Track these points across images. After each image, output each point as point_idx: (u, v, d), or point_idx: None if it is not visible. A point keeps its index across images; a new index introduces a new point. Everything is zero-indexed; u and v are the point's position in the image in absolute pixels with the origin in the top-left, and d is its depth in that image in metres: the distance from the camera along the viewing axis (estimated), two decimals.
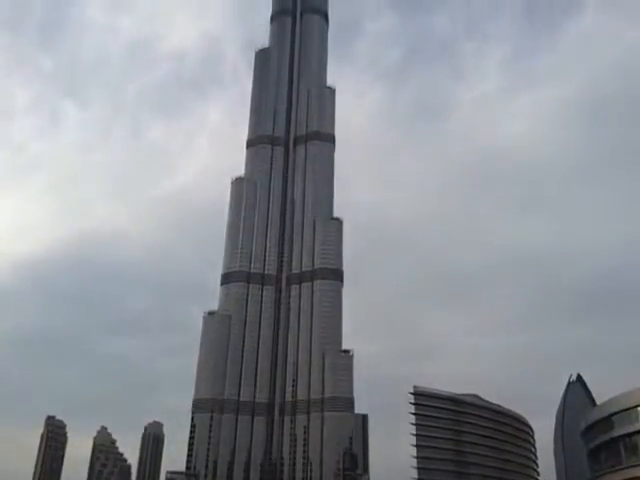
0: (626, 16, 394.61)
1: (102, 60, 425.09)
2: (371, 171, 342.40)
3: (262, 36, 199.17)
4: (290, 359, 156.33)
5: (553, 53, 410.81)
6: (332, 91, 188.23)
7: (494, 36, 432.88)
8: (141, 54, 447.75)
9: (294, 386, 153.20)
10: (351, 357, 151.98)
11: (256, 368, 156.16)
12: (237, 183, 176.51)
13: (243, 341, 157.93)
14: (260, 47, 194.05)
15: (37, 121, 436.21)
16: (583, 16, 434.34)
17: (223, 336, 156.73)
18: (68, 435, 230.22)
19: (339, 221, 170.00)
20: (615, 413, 71.64)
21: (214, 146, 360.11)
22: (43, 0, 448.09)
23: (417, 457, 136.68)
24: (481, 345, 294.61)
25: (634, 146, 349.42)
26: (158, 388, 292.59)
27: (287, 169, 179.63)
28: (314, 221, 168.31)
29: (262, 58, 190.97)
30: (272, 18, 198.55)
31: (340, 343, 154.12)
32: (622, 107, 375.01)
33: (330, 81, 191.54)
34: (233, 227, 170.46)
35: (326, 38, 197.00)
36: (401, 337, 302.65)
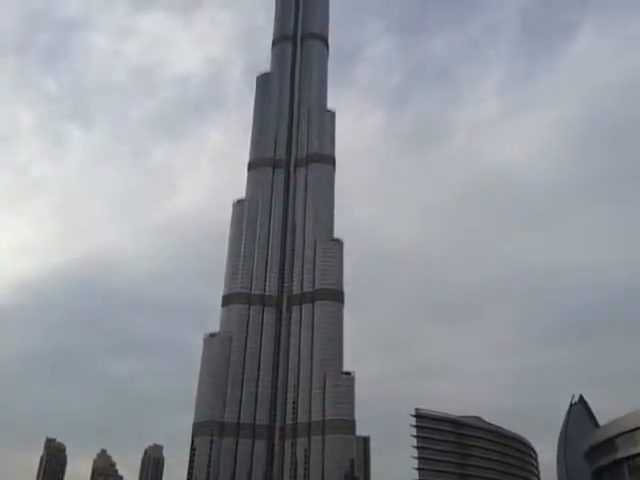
0: (623, 39, 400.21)
1: (106, 84, 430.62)
2: (371, 193, 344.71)
3: (264, 61, 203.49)
4: (291, 381, 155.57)
5: (550, 76, 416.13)
6: (332, 114, 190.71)
7: (492, 60, 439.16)
8: (144, 78, 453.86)
9: (295, 408, 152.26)
10: (352, 379, 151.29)
11: (257, 390, 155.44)
12: (238, 205, 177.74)
13: (244, 363, 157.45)
14: (262, 72, 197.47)
15: (41, 143, 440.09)
16: (580, 39, 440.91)
17: (224, 358, 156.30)
18: (68, 457, 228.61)
19: (340, 242, 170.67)
20: (618, 435, 71.70)
21: (216, 168, 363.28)
22: (48, 25, 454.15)
23: None
24: (483, 366, 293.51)
25: (632, 167, 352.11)
26: (159, 410, 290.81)
27: (288, 191, 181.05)
28: (315, 242, 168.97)
29: (263, 82, 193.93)
30: (273, 44, 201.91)
31: (341, 365, 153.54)
32: (620, 128, 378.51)
33: (330, 104, 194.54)
34: (234, 249, 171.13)
35: (326, 63, 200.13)
36: (402, 358, 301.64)
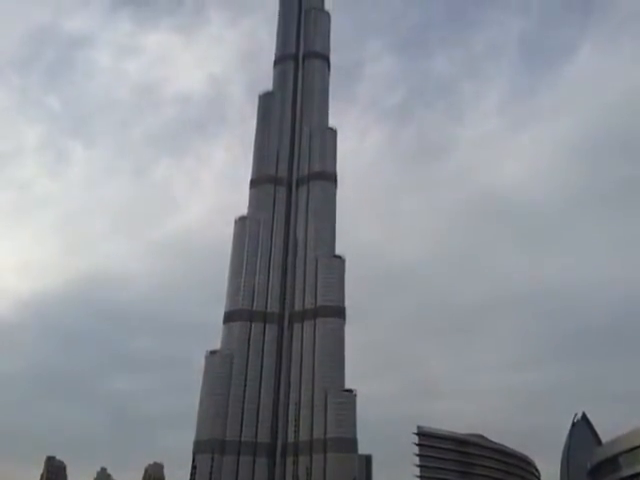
0: (622, 57, 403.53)
1: (109, 101, 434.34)
2: (373, 209, 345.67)
3: (266, 80, 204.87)
4: (292, 399, 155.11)
5: (552, 92, 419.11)
6: (334, 132, 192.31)
7: (493, 76, 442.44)
8: (147, 96, 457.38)
9: (296, 426, 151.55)
10: (354, 396, 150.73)
11: (258, 408, 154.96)
12: (240, 222, 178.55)
13: (245, 380, 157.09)
14: (264, 90, 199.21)
15: (44, 160, 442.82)
16: (580, 57, 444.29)
17: (225, 375, 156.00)
18: (68, 475, 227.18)
19: (341, 259, 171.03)
20: (621, 453, 71.54)
21: (218, 186, 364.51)
22: (52, 43, 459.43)
23: None
24: (485, 384, 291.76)
25: (635, 184, 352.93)
26: (159, 428, 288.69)
27: (290, 208, 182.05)
28: (316, 259, 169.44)
29: (265, 101, 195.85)
30: (275, 63, 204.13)
31: (343, 382, 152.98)
32: (622, 145, 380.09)
33: (332, 122, 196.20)
34: (236, 266, 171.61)
35: (328, 81, 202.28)
36: (404, 376, 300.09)
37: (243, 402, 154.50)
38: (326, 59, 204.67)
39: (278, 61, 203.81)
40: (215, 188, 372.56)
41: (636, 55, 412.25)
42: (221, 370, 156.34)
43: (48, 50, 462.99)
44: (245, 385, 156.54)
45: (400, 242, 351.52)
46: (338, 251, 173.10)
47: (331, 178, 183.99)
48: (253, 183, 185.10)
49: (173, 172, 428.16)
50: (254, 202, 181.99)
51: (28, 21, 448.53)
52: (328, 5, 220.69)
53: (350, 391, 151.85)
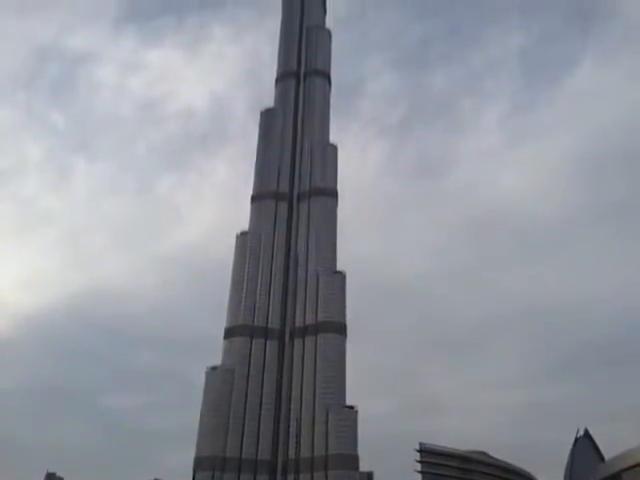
0: (623, 73, 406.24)
1: (112, 117, 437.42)
2: (373, 225, 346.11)
3: (267, 96, 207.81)
4: (293, 415, 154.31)
5: (552, 108, 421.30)
6: (335, 148, 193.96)
7: (493, 92, 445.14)
8: (150, 111, 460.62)
9: (297, 443, 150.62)
10: (355, 413, 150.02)
11: (259, 425, 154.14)
12: (242, 238, 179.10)
13: (246, 397, 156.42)
14: (265, 107, 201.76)
15: (47, 176, 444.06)
16: (581, 71, 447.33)
17: (225, 392, 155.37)
18: None
19: (342, 274, 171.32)
20: (624, 470, 71.24)
21: (220, 201, 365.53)
22: (56, 59, 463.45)
23: None
24: (488, 400, 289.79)
25: (636, 198, 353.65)
26: (159, 444, 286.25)
27: (291, 224, 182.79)
28: (317, 275, 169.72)
29: (267, 117, 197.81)
30: (277, 80, 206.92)
31: (344, 398, 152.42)
32: (623, 160, 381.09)
33: (333, 138, 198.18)
34: (237, 281, 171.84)
35: (328, 98, 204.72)
36: (406, 392, 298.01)
37: (244, 418, 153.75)
38: (327, 76, 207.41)
39: (280, 78, 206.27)
40: (217, 203, 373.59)
41: (636, 71, 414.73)
42: (222, 386, 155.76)
43: (52, 67, 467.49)
44: (246, 401, 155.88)
45: (400, 258, 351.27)
46: (339, 266, 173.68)
47: (332, 194, 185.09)
48: (254, 198, 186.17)
49: (175, 187, 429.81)
50: (255, 217, 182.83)
51: (33, 38, 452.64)
52: (329, 23, 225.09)
53: (351, 407, 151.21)
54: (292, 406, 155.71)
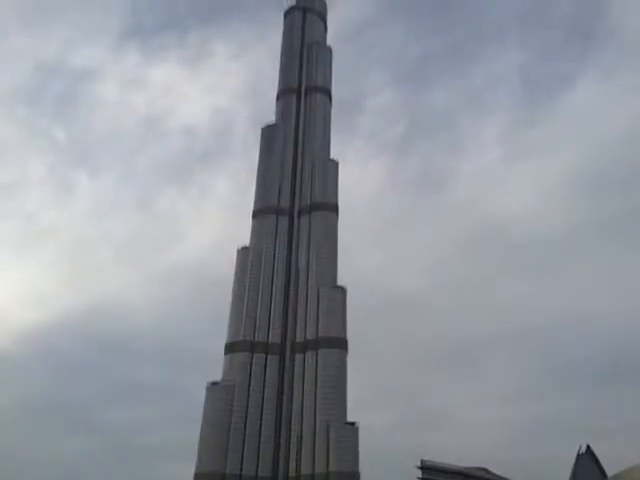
0: (623, 88, 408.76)
1: (114, 133, 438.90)
2: (374, 240, 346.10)
3: (269, 112, 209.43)
4: (294, 432, 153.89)
5: (552, 123, 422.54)
6: (335, 164, 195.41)
7: (493, 108, 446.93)
8: (152, 127, 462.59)
9: (298, 460, 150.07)
10: (356, 429, 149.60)
11: (259, 441, 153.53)
12: (243, 252, 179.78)
13: (246, 413, 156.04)
14: (266, 123, 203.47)
15: (50, 191, 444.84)
16: (581, 86, 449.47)
17: (226, 407, 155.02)
18: None
19: (343, 289, 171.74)
20: None
21: (221, 216, 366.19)
22: (59, 75, 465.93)
23: None
24: (488, 415, 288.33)
25: (636, 215, 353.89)
26: (159, 459, 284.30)
27: (292, 239, 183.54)
28: (318, 289, 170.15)
29: (268, 133, 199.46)
30: (278, 96, 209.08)
31: (345, 414, 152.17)
32: (624, 175, 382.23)
33: (334, 154, 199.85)
34: (238, 296, 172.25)
35: (329, 114, 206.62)
36: (407, 408, 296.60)
37: (244, 434, 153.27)
38: (328, 92, 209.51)
39: (281, 94, 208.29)
40: (218, 218, 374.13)
41: (635, 86, 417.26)
42: (222, 402, 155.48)
43: (55, 83, 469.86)
44: (246, 417, 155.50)
45: (401, 272, 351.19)
46: (339, 281, 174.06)
47: (333, 209, 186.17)
48: (255, 213, 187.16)
49: (176, 202, 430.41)
50: (256, 232, 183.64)
51: (36, 55, 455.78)
52: (330, 40, 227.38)
53: (352, 424, 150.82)
54: (293, 422, 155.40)
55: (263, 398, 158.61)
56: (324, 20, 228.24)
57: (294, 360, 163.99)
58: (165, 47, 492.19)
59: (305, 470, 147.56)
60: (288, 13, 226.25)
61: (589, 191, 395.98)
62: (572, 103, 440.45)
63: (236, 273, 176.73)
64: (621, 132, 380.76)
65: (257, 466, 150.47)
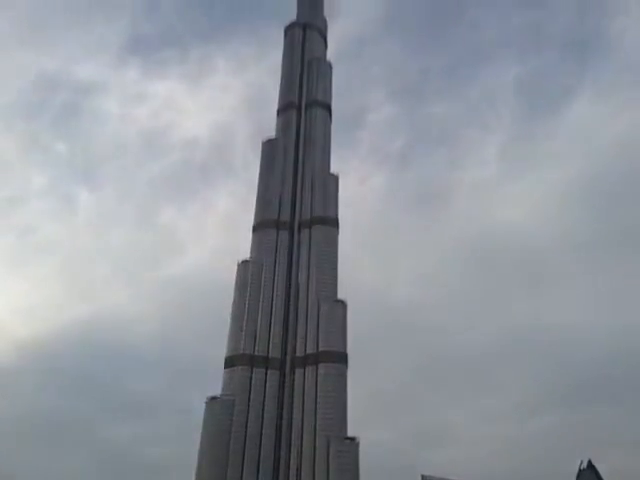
0: (621, 102, 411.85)
1: (115, 147, 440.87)
2: (375, 253, 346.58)
3: (269, 127, 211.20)
4: (294, 447, 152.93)
5: (551, 138, 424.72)
6: (335, 178, 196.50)
7: (492, 123, 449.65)
8: (153, 141, 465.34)
9: (298, 476, 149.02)
10: (357, 444, 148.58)
11: (259, 456, 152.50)
12: (243, 266, 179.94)
13: (246, 427, 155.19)
14: (267, 137, 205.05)
15: (49, 204, 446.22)
16: (579, 102, 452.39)
17: (225, 422, 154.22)
18: None
19: (343, 303, 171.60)
20: None
21: (221, 230, 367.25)
22: (61, 89, 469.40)
23: None
24: (489, 430, 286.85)
25: (637, 227, 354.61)
26: (158, 475, 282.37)
27: (292, 252, 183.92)
28: (318, 303, 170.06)
29: (269, 148, 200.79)
30: (279, 111, 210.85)
31: (345, 430, 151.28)
32: (622, 189, 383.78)
33: (334, 168, 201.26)
34: (238, 310, 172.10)
35: (329, 128, 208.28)
36: (408, 422, 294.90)
37: (244, 449, 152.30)
38: (328, 107, 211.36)
39: (281, 109, 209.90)
40: (218, 232, 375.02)
41: (633, 101, 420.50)
42: (221, 416, 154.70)
43: (57, 97, 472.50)
44: (246, 432, 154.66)
45: (401, 286, 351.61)
46: (340, 295, 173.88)
47: (333, 223, 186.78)
48: (256, 227, 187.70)
49: (177, 216, 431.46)
50: (256, 246, 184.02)
51: (38, 69, 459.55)
52: (330, 55, 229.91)
53: (352, 439, 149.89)
54: (292, 437, 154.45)
55: (263, 413, 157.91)
56: (324, 36, 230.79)
57: (294, 374, 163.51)
58: (166, 62, 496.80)
59: None
60: (288, 29, 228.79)
61: (587, 204, 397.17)
62: (570, 118, 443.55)
63: (236, 287, 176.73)
64: (619, 146, 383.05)
65: None
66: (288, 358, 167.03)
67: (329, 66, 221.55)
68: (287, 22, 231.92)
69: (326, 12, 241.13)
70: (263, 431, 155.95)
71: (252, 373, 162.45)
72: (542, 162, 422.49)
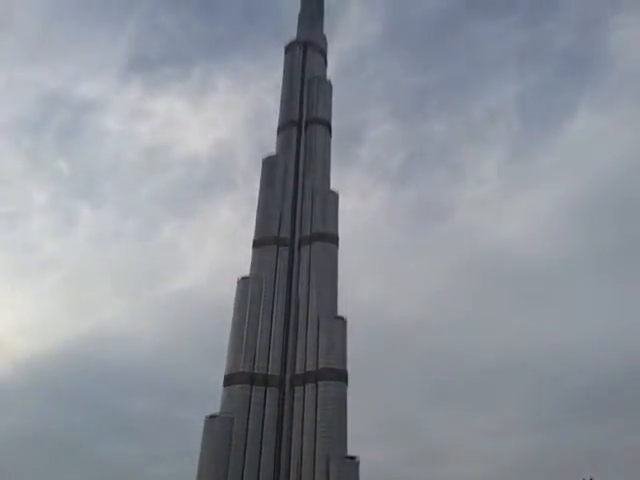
0: (619, 119, 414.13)
1: (117, 164, 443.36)
2: (374, 270, 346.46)
3: (270, 144, 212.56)
4: (293, 465, 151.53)
5: (550, 155, 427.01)
6: (335, 195, 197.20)
7: (492, 139, 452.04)
8: (155, 158, 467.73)
9: None
10: (357, 463, 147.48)
11: (258, 475, 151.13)
12: (243, 283, 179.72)
13: (245, 446, 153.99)
14: (268, 154, 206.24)
15: (51, 221, 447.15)
16: (578, 118, 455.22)
17: (225, 440, 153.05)
18: None
19: (343, 320, 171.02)
20: None
21: (221, 246, 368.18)
22: (64, 107, 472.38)
23: None
24: (492, 448, 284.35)
25: (633, 243, 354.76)
26: None
27: (292, 269, 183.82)
28: (318, 320, 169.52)
29: (269, 165, 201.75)
30: (279, 129, 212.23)
31: (345, 448, 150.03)
32: (622, 205, 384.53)
33: (334, 185, 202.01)
34: (237, 327, 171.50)
35: (329, 146, 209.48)
36: (408, 440, 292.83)
37: (243, 468, 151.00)
38: (327, 125, 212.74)
39: (282, 127, 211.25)
40: (218, 248, 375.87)
41: (631, 118, 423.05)
42: (220, 435, 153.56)
43: (59, 114, 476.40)
44: (245, 450, 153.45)
45: (401, 303, 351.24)
46: (340, 312, 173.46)
47: (333, 239, 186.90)
48: (256, 243, 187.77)
49: (178, 233, 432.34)
50: (256, 262, 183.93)
51: (41, 87, 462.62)
52: (330, 73, 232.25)
53: (352, 458, 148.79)
54: (292, 456, 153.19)
55: (262, 431, 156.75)
56: (324, 54, 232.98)
57: (294, 392, 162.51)
58: (168, 80, 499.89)
59: None
60: (289, 48, 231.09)
61: (586, 221, 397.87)
62: (569, 135, 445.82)
63: (236, 303, 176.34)
64: (617, 163, 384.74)
65: None
66: (288, 376, 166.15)
67: (329, 84, 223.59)
68: (287, 41, 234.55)
69: (326, 30, 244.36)
70: (262, 449, 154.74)
71: (251, 391, 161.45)
72: (542, 178, 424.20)
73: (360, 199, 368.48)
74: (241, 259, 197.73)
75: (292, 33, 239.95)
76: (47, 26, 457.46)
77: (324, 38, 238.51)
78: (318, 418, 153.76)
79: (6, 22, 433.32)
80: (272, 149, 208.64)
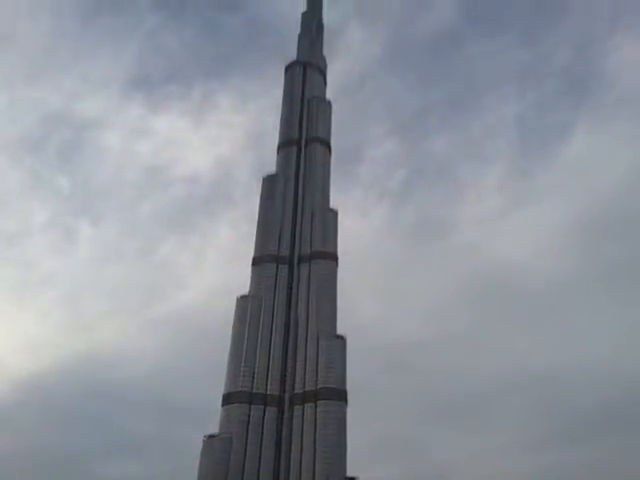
0: (618, 136, 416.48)
1: (117, 182, 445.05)
2: (374, 288, 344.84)
3: (269, 163, 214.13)
4: None
5: (549, 172, 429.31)
6: (335, 213, 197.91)
7: (491, 157, 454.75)
8: (155, 176, 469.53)
9: None
10: None
11: None
12: (242, 301, 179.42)
13: (243, 466, 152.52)
14: (267, 173, 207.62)
15: (51, 239, 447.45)
16: (576, 136, 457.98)
17: (223, 461, 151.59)
18: None
19: (343, 339, 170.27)
20: None
21: (221, 264, 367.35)
22: (65, 125, 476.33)
23: None
24: (492, 468, 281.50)
25: (633, 262, 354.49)
26: None
27: (291, 287, 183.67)
28: (318, 339, 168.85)
29: (269, 183, 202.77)
30: (279, 147, 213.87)
31: (345, 468, 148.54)
32: (620, 224, 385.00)
33: (333, 203, 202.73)
34: (236, 346, 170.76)
35: (329, 165, 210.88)
36: (408, 460, 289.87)
37: None
38: (327, 144, 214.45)
39: (281, 146, 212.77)
40: (218, 266, 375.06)
41: (629, 137, 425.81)
42: (219, 455, 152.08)
43: (60, 133, 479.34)
44: (243, 471, 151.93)
45: (401, 321, 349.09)
46: (339, 330, 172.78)
47: (332, 257, 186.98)
48: (255, 261, 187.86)
49: (177, 251, 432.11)
50: (256, 280, 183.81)
51: (42, 105, 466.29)
52: (329, 92, 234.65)
53: (352, 479, 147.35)
54: (291, 476, 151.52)
55: (261, 451, 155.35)
56: (324, 74, 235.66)
57: (293, 412, 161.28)
58: (169, 98, 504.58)
59: None
60: (289, 68, 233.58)
61: (586, 239, 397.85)
62: (568, 153, 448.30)
63: (235, 322, 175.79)
64: (617, 181, 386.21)
65: None
66: (287, 395, 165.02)
67: (328, 104, 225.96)
68: (288, 60, 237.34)
69: (326, 50, 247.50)
70: (261, 469, 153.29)
71: (250, 411, 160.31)
72: (540, 197, 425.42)
73: (360, 217, 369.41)
74: (240, 277, 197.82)
75: (292, 53, 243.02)
76: (49, 44, 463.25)
77: (324, 58, 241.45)
78: (317, 438, 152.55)
79: (8, 40, 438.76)
80: (272, 167, 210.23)
